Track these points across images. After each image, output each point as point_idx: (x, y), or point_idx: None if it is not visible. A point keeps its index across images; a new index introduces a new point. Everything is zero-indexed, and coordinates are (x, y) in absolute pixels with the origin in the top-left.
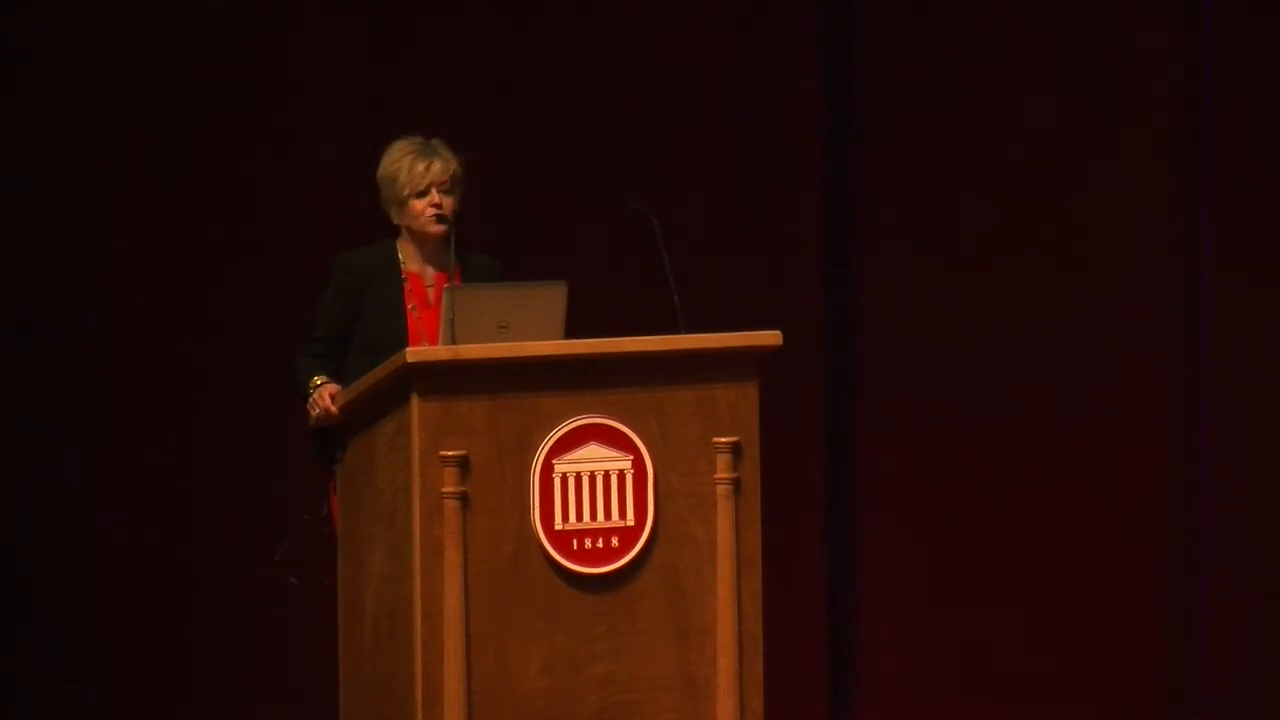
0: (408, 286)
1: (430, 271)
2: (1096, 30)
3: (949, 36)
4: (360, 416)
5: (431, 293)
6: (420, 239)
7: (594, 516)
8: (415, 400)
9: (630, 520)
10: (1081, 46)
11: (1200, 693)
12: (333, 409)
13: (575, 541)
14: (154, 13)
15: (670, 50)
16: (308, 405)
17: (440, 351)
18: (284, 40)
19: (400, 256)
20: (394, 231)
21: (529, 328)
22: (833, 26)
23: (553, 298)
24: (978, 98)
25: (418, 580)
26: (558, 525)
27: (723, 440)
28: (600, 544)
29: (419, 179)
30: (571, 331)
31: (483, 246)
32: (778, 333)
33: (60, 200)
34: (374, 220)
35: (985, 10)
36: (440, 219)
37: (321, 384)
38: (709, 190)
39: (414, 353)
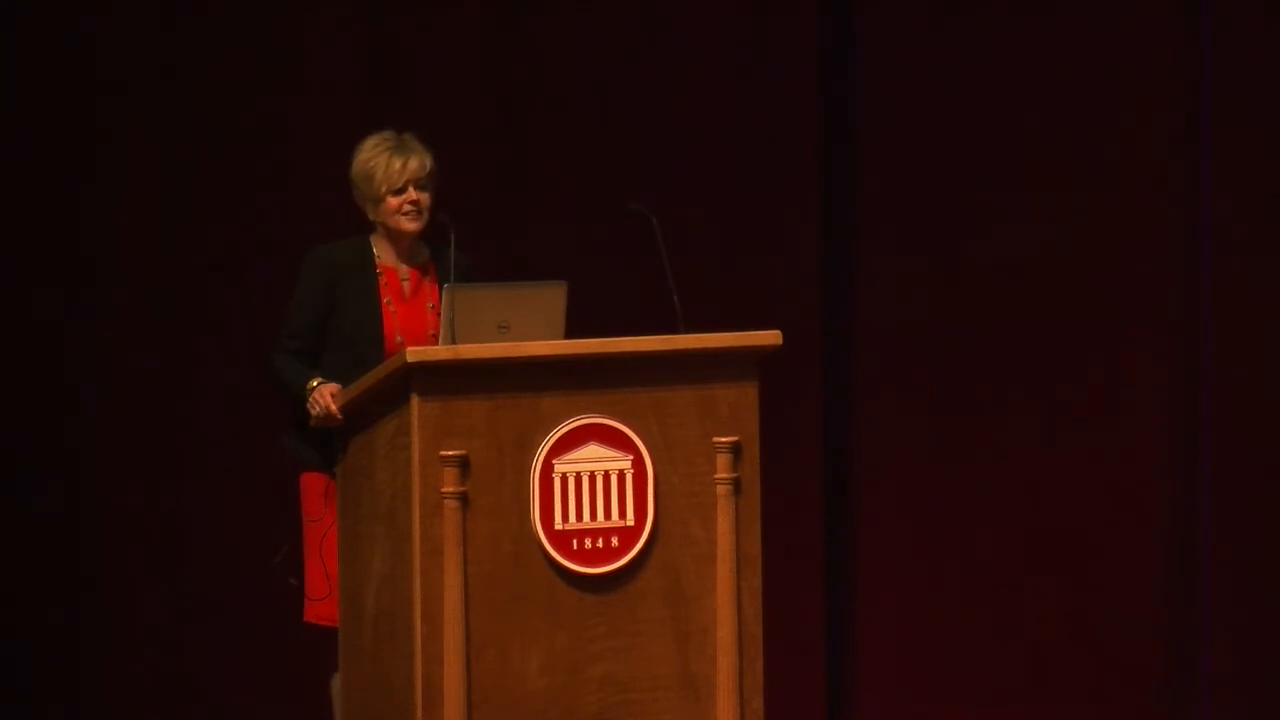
0: (382, 280)
1: (404, 266)
2: (1096, 30)
3: (949, 36)
4: (360, 416)
5: (406, 286)
6: (394, 235)
7: (594, 516)
8: (415, 400)
9: (630, 520)
10: (1081, 46)
11: (1200, 692)
12: (334, 409)
13: (575, 541)
14: (154, 12)
15: (670, 50)
16: (307, 406)
17: (440, 351)
18: (284, 40)
19: (375, 251)
20: (368, 227)
21: (529, 328)
22: (832, 26)
23: (553, 298)
24: (978, 98)
25: (418, 580)
26: (558, 525)
27: (723, 440)
28: (600, 544)
29: (396, 176)
30: (571, 331)
31: (460, 243)
32: (777, 332)
33: (60, 200)
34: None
35: (985, 10)
36: (416, 216)
37: (319, 384)
38: (709, 191)
39: (414, 353)
